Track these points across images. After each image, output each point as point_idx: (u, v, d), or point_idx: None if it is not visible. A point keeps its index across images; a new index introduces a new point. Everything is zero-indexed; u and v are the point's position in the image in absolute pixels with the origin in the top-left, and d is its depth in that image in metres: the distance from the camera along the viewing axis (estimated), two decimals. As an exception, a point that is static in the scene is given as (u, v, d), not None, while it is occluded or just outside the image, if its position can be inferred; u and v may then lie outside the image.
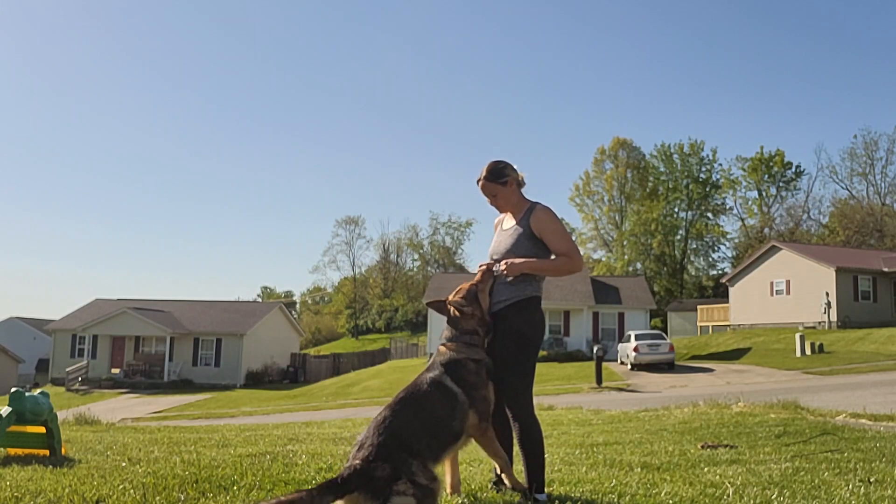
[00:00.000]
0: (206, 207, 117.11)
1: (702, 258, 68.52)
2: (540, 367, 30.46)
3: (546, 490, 3.57)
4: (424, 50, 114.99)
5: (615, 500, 3.45)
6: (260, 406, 25.90)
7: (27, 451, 5.06)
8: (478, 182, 3.68)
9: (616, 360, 30.08)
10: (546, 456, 5.04)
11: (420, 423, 2.99)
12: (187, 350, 39.56)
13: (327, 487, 2.67)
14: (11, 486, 3.70)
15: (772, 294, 37.12)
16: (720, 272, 62.97)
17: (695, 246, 67.78)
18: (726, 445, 5.51)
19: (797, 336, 27.44)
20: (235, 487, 3.64)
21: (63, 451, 5.27)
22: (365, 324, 75.99)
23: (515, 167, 3.71)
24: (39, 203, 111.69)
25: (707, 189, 66.01)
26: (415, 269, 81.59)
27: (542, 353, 32.38)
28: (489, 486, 3.66)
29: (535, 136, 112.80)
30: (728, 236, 67.38)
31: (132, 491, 3.55)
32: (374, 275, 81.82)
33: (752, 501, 3.38)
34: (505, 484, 3.59)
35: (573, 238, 3.62)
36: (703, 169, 66.73)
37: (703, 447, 5.47)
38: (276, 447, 5.73)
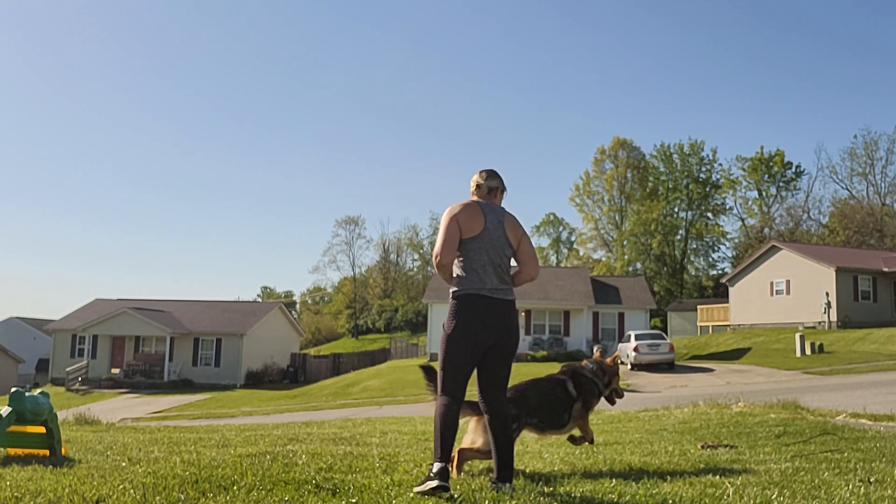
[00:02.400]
0: (206, 207, 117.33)
1: (702, 258, 68.60)
2: (540, 368, 30.40)
3: (546, 490, 3.57)
4: (424, 50, 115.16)
5: (615, 500, 3.45)
6: (260, 406, 25.89)
7: (27, 451, 5.06)
8: (504, 190, 3.97)
9: (616, 360, 30.05)
10: (546, 456, 5.03)
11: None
12: (187, 350, 39.54)
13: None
14: (11, 486, 3.70)
15: (772, 294, 37.12)
16: (720, 272, 62.98)
17: (695, 246, 67.81)
18: (726, 445, 5.51)
19: (797, 336, 27.44)
20: (235, 487, 3.64)
21: (63, 451, 5.26)
22: (365, 324, 75.98)
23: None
24: (39, 203, 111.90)
25: (707, 189, 66.02)
26: (415, 269, 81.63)
27: (542, 353, 32.41)
28: (489, 485, 3.66)
29: (535, 136, 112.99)
30: (728, 236, 67.49)
31: (132, 491, 3.55)
32: (374, 275, 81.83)
33: (752, 501, 3.38)
34: (503, 484, 3.59)
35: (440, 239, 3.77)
36: (703, 169, 66.76)
37: (703, 447, 5.47)
38: (276, 447, 5.73)
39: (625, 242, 66.31)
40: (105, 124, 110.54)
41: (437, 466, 3.50)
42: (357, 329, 74.99)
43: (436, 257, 3.66)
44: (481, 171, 3.95)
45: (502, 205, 3.97)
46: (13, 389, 4.98)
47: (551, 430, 4.61)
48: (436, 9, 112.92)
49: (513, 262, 3.93)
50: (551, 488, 3.71)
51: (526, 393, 4.50)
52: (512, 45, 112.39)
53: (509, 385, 3.99)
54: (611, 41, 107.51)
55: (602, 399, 4.89)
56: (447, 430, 3.58)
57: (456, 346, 3.62)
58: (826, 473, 4.08)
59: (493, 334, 3.66)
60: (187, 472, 4.08)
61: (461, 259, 3.70)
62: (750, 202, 67.14)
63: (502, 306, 3.69)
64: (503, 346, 3.72)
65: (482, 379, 3.73)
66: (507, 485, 3.62)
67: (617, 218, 68.98)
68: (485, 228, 3.70)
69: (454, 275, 3.71)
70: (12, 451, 5.06)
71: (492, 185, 3.90)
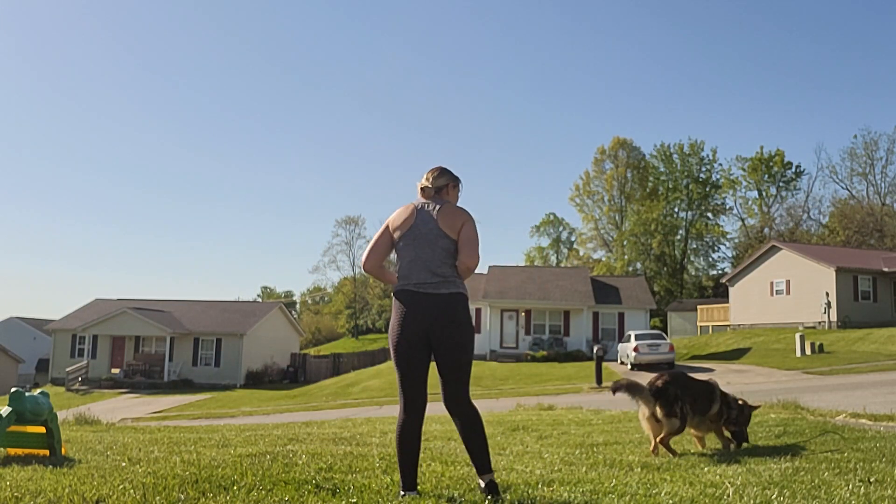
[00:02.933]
0: (206, 207, 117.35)
1: (702, 258, 68.61)
2: (540, 367, 30.11)
3: (546, 490, 3.56)
4: (425, 50, 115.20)
5: (615, 500, 3.45)
6: (260, 406, 25.89)
7: (27, 451, 5.06)
8: (457, 185, 3.95)
9: (616, 360, 30.07)
10: (546, 456, 5.02)
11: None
12: (187, 350, 39.54)
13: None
14: (11, 486, 3.70)
15: (772, 294, 37.11)
16: (720, 272, 62.99)
17: (695, 246, 67.81)
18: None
19: (797, 336, 27.42)
20: (235, 487, 3.64)
21: (63, 451, 5.27)
22: (365, 324, 76.00)
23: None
24: (39, 203, 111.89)
25: (707, 189, 66.04)
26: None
27: (542, 352, 32.42)
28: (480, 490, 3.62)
29: (535, 136, 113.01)
30: (728, 236, 67.50)
31: (132, 491, 3.55)
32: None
33: (752, 501, 3.38)
34: (486, 476, 3.51)
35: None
36: (703, 169, 66.79)
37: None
38: (276, 447, 5.73)
39: (625, 242, 66.31)
40: (105, 124, 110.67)
41: (400, 495, 3.47)
42: (357, 329, 75.00)
43: (362, 264, 3.77)
44: (428, 172, 3.88)
45: (459, 197, 3.93)
46: (13, 389, 4.98)
47: (697, 415, 5.27)
48: (436, 9, 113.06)
49: None
50: (551, 488, 3.71)
51: (682, 381, 5.32)
52: (512, 46, 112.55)
53: None
54: (610, 41, 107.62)
55: (717, 429, 5.42)
56: (403, 451, 3.52)
57: (394, 344, 3.61)
58: (826, 473, 4.08)
59: (422, 327, 3.54)
60: (187, 472, 4.08)
61: (396, 259, 3.76)
62: (750, 202, 67.25)
63: (431, 300, 3.56)
64: (442, 340, 3.53)
65: (440, 378, 3.59)
66: (488, 476, 3.50)
67: (617, 218, 68.99)
68: (413, 225, 3.68)
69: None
70: (12, 451, 5.06)
71: (439, 184, 3.84)
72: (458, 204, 3.88)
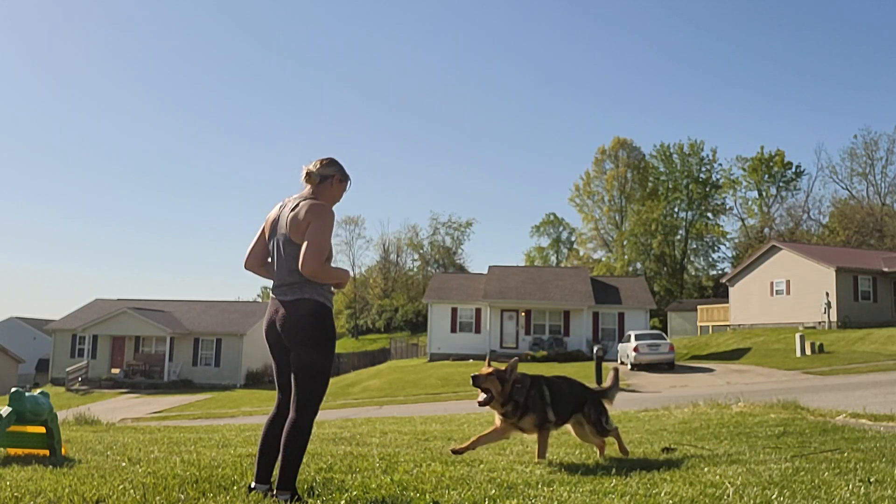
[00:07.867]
0: (206, 207, 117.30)
1: (702, 258, 68.66)
2: (540, 367, 30.25)
3: (546, 490, 3.55)
4: (425, 51, 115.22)
5: (615, 500, 3.45)
6: (260, 406, 25.88)
7: (27, 451, 5.06)
8: (343, 180, 3.76)
9: (616, 360, 30.07)
10: (546, 456, 5.02)
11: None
12: (187, 350, 39.56)
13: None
14: (11, 486, 3.70)
15: (772, 294, 37.12)
16: (720, 272, 63.01)
17: (695, 246, 67.85)
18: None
19: (797, 336, 27.43)
20: (235, 487, 3.64)
21: (63, 451, 5.27)
22: (365, 324, 75.98)
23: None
24: (39, 203, 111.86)
25: (707, 189, 66.10)
26: (415, 269, 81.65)
27: (542, 353, 32.40)
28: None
29: (536, 136, 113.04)
30: (728, 236, 67.57)
31: (132, 491, 3.55)
32: (374, 275, 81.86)
33: (752, 501, 3.38)
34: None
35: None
36: (703, 169, 66.86)
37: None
38: (276, 447, 5.71)
39: (625, 242, 66.35)
40: (106, 122, 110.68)
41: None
42: (357, 329, 74.98)
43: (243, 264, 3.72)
44: (318, 160, 3.67)
45: (343, 195, 3.77)
46: (13, 389, 4.99)
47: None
48: (436, 10, 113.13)
49: None
50: (551, 489, 3.71)
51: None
52: (512, 47, 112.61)
53: None
54: (611, 41, 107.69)
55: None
56: (262, 444, 3.54)
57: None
58: (826, 473, 4.08)
59: (275, 332, 3.52)
60: (187, 472, 4.08)
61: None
62: (750, 202, 67.34)
63: (277, 305, 3.50)
64: (290, 345, 3.48)
65: None
66: (282, 494, 3.33)
67: (617, 218, 69.04)
68: (274, 221, 3.59)
69: None
70: (12, 451, 5.06)
71: (325, 173, 3.63)
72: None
